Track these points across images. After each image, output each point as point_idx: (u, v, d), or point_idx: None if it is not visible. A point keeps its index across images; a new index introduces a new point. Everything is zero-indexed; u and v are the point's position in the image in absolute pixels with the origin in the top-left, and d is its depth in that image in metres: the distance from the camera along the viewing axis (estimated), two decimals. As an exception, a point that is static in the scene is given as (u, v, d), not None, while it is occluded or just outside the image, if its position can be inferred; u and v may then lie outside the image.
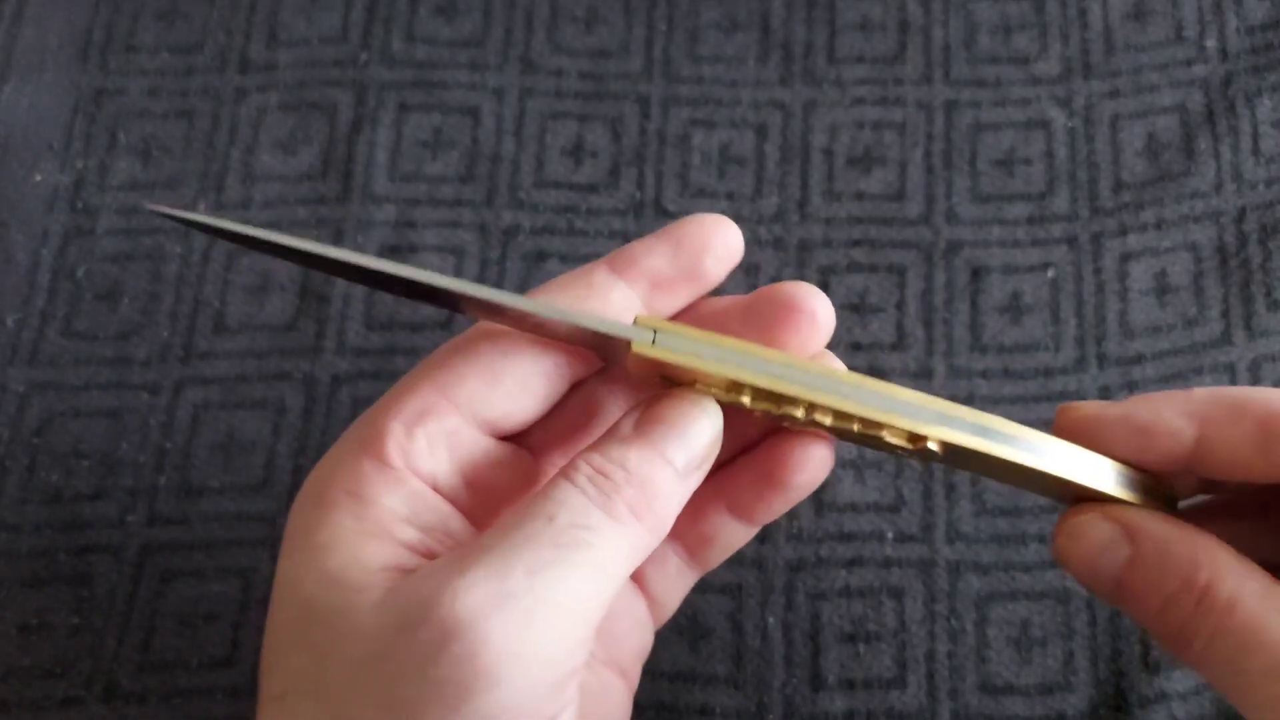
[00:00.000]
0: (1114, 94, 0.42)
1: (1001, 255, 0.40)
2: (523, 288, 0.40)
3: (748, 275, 0.40)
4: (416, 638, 0.21)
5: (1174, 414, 0.25)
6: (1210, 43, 0.42)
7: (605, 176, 0.41)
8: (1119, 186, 0.40)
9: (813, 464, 0.27)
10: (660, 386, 0.26)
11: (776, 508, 0.28)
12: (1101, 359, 0.38)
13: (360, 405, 0.38)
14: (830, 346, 0.27)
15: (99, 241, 0.41)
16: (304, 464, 0.38)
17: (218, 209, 0.41)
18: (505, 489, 0.27)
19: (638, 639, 0.28)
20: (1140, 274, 0.39)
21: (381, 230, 0.41)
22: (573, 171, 0.42)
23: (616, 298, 0.27)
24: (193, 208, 0.41)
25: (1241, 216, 0.39)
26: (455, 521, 0.25)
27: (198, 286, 0.40)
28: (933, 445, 0.25)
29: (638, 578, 0.29)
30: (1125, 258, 0.39)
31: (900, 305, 0.39)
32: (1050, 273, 0.40)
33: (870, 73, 0.42)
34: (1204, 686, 0.34)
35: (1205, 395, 0.25)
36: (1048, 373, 0.38)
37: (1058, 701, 0.35)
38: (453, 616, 0.21)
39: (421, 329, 0.39)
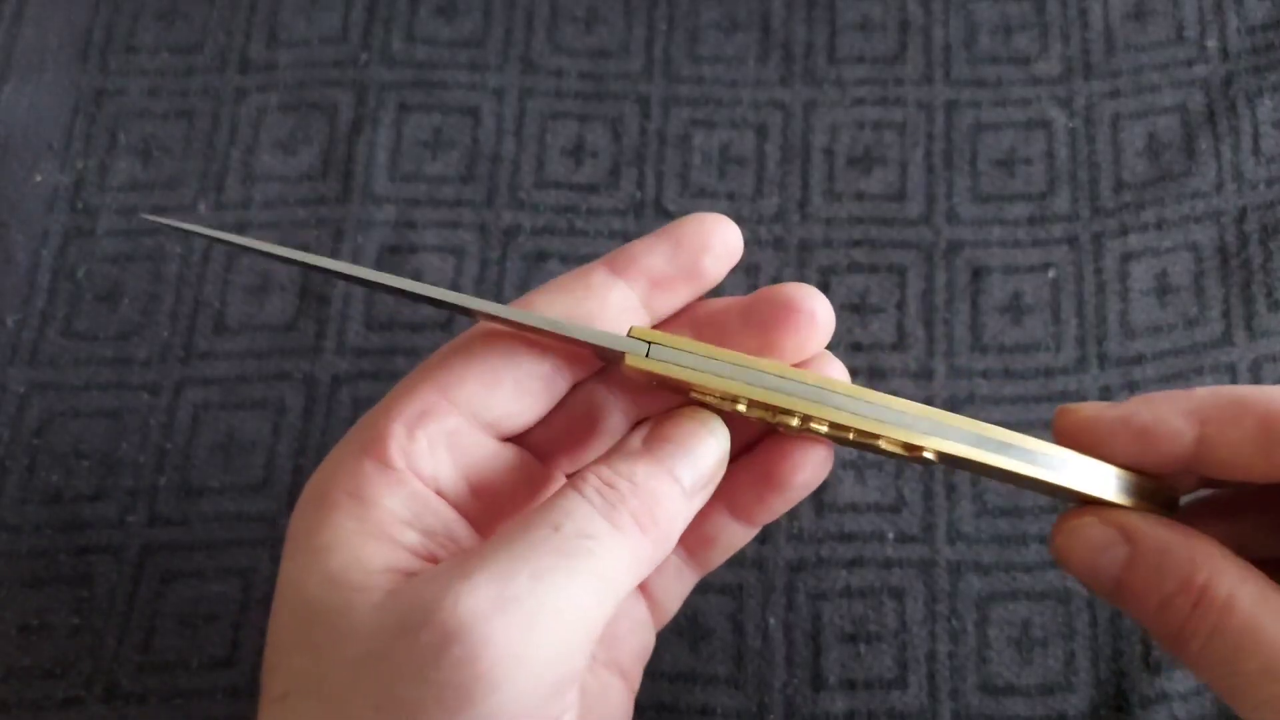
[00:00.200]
0: (1115, 94, 0.42)
1: (1002, 255, 0.40)
2: (523, 288, 0.40)
3: (748, 275, 0.40)
4: (418, 640, 0.21)
5: (1174, 415, 0.25)
6: (1211, 43, 0.42)
7: (605, 176, 0.41)
8: (1120, 186, 0.40)
9: (812, 465, 0.27)
10: (659, 390, 0.26)
11: (776, 508, 0.28)
12: (1102, 359, 0.38)
13: (360, 405, 0.38)
14: (831, 346, 0.27)
15: (99, 242, 0.41)
16: (304, 464, 0.38)
17: (218, 209, 0.41)
18: (506, 490, 0.27)
19: (638, 640, 0.28)
20: (1141, 274, 0.39)
21: (381, 230, 0.41)
22: (573, 171, 0.42)
23: (615, 298, 0.27)
24: (193, 208, 0.41)
25: (1242, 216, 0.39)
26: (456, 523, 0.25)
27: (198, 286, 0.40)
28: (928, 454, 0.25)
29: (638, 579, 0.29)
30: (1126, 258, 0.39)
31: (901, 305, 0.39)
32: (1051, 273, 0.40)
33: (871, 73, 0.42)
34: (1205, 687, 0.34)
35: (1206, 395, 0.25)
36: (1048, 373, 0.38)
37: (1059, 702, 0.35)
38: (455, 619, 0.21)
39: (421, 329, 0.39)
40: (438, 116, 0.42)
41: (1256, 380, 0.38)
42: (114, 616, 0.36)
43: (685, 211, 0.40)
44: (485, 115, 0.42)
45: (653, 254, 0.27)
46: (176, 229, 0.25)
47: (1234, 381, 0.38)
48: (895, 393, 0.38)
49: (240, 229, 0.41)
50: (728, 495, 0.28)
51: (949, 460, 0.26)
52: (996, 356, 0.39)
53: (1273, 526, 0.27)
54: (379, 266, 0.40)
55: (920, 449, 0.25)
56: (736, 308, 0.27)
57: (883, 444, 0.25)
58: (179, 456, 0.38)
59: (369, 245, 0.40)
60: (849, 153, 0.41)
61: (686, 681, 0.35)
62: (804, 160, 0.41)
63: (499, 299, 0.40)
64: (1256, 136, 0.40)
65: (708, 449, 0.25)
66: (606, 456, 0.25)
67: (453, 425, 0.25)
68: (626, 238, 0.40)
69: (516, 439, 0.27)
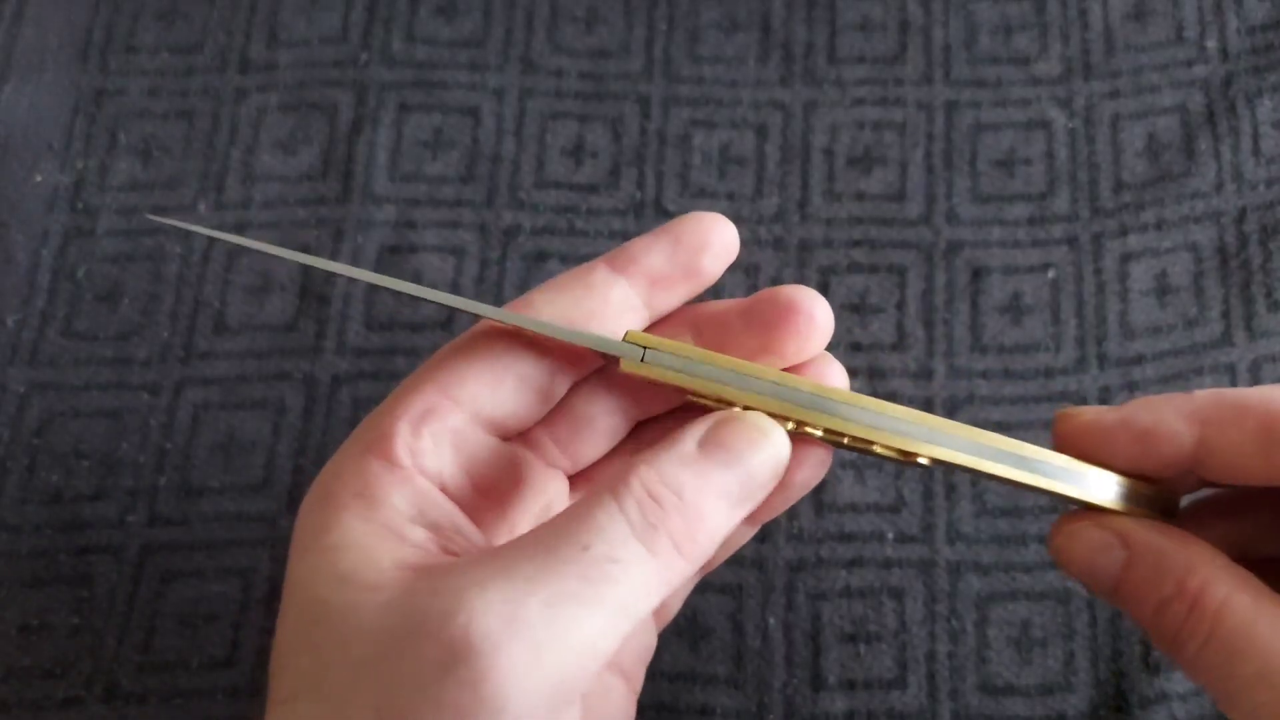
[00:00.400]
0: (1114, 94, 0.42)
1: (1002, 255, 0.40)
2: (523, 288, 0.40)
3: (748, 275, 0.40)
4: (424, 652, 0.21)
5: (1174, 418, 0.25)
6: (1211, 43, 0.42)
7: (605, 176, 0.41)
8: (1119, 187, 0.40)
9: (810, 465, 0.27)
10: (659, 389, 0.26)
11: (775, 506, 0.28)
12: (1102, 359, 0.38)
13: (360, 405, 0.38)
14: (831, 347, 0.27)
15: (99, 242, 0.41)
16: (304, 464, 0.38)
17: (218, 209, 0.41)
18: (508, 489, 0.27)
19: (641, 642, 0.28)
20: (1141, 274, 0.39)
21: (381, 230, 0.41)
22: (573, 171, 0.42)
23: (616, 296, 0.27)
24: (193, 208, 0.41)
25: (1242, 217, 0.39)
26: (462, 519, 0.25)
27: (198, 286, 0.40)
28: (922, 460, 0.25)
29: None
30: (1126, 258, 0.39)
31: (900, 305, 0.39)
32: (1051, 273, 0.40)
33: (871, 73, 0.42)
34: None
35: (1206, 398, 0.25)
36: (1048, 373, 0.38)
37: (1058, 702, 0.35)
38: (464, 638, 0.21)
39: (421, 329, 0.39)
40: (438, 116, 0.42)
41: (1256, 380, 0.38)
42: (114, 616, 0.36)
43: (685, 211, 0.40)
44: (485, 115, 0.42)
45: (652, 252, 0.27)
46: (178, 229, 0.25)
47: (1234, 382, 0.38)
48: (895, 393, 0.38)
49: (240, 229, 0.41)
50: None
51: (945, 465, 0.26)
52: (996, 357, 0.39)
53: (1274, 527, 0.27)
54: (379, 266, 0.40)
55: (914, 455, 0.25)
56: (737, 309, 0.27)
57: (877, 449, 0.25)
58: (179, 456, 0.38)
59: (369, 245, 0.40)
60: (849, 153, 0.41)
61: (686, 681, 0.35)
62: (804, 160, 0.41)
63: (499, 299, 0.40)
64: (1256, 137, 0.40)
65: (766, 461, 0.24)
66: (655, 456, 0.24)
67: (456, 424, 0.25)
68: (626, 238, 0.40)
69: (518, 437, 0.27)
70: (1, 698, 0.35)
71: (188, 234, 0.41)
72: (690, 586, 0.30)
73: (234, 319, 0.40)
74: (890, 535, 0.37)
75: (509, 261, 0.40)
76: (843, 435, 0.25)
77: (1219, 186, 0.40)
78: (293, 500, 0.37)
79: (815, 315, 0.26)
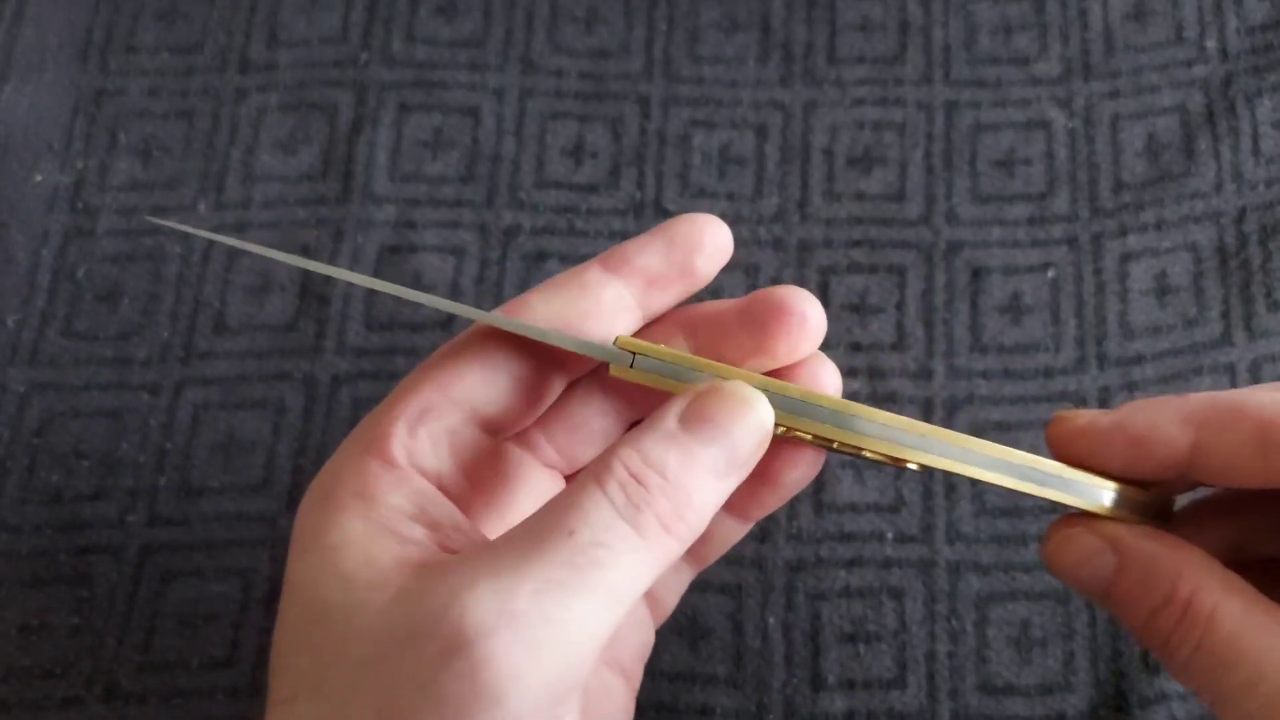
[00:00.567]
0: (1114, 94, 0.42)
1: (1001, 255, 0.40)
2: (523, 288, 0.40)
3: (747, 275, 0.40)
4: (420, 649, 0.21)
5: (1169, 421, 0.25)
6: (1210, 43, 0.42)
7: (605, 176, 0.41)
8: (1119, 187, 0.40)
9: (803, 464, 0.27)
10: (650, 392, 0.26)
11: (770, 504, 0.28)
12: (1101, 359, 0.38)
13: (360, 405, 0.39)
14: (830, 346, 0.27)
15: (99, 242, 0.41)
16: (304, 464, 0.38)
17: (218, 209, 0.41)
18: (505, 488, 0.27)
19: (639, 639, 0.29)
20: (1140, 274, 0.39)
21: (381, 230, 0.41)
22: (573, 171, 0.42)
23: (610, 296, 0.27)
24: (193, 208, 0.41)
25: (1241, 217, 0.39)
26: (461, 518, 0.25)
27: (198, 286, 0.40)
28: (912, 466, 0.25)
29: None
30: (1125, 258, 0.39)
31: (900, 305, 0.39)
32: (1050, 273, 0.40)
33: (870, 73, 0.42)
34: (1204, 687, 0.34)
35: (1200, 401, 0.25)
36: (1048, 373, 0.38)
37: (1058, 702, 0.35)
38: (458, 632, 0.21)
39: (421, 329, 0.39)
40: (438, 116, 0.42)
41: (1256, 380, 0.38)
42: (114, 616, 0.36)
43: (685, 211, 0.40)
44: (485, 115, 0.42)
45: (646, 253, 0.27)
46: (179, 231, 0.26)
47: (1233, 382, 0.38)
48: (895, 393, 0.38)
49: (240, 229, 0.41)
50: None
51: (935, 471, 0.26)
52: (996, 357, 0.39)
53: (1271, 527, 0.27)
54: (379, 266, 0.40)
55: (904, 460, 0.25)
56: (731, 310, 0.27)
57: (867, 454, 0.25)
58: (179, 456, 0.38)
59: (369, 245, 0.40)
60: (849, 153, 0.41)
61: (686, 681, 0.35)
62: (804, 160, 0.41)
63: (499, 299, 0.40)
64: (1256, 137, 0.40)
65: (750, 430, 0.24)
66: (637, 436, 0.23)
67: (453, 423, 0.25)
68: (626, 238, 0.40)
69: (514, 437, 0.27)
70: (1, 698, 0.35)
71: (188, 234, 0.41)
72: (687, 583, 0.30)
73: (234, 319, 0.40)
74: (890, 535, 0.37)
75: (509, 261, 0.40)
76: (832, 440, 0.25)
77: (1219, 186, 0.40)
78: (293, 500, 0.37)
79: (807, 316, 0.26)
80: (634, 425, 0.29)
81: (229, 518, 0.37)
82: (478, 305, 0.40)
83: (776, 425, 0.25)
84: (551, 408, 0.27)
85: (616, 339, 0.26)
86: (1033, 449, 0.26)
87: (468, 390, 0.26)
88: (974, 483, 0.37)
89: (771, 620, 0.36)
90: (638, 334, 0.27)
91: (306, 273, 0.40)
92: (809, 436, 0.25)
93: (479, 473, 0.26)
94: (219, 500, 0.37)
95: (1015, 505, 0.37)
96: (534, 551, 0.22)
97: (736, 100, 0.42)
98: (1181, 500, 0.27)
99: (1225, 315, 0.38)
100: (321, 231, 0.41)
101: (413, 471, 0.25)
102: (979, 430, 0.38)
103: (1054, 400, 0.38)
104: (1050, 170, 0.41)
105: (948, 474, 0.37)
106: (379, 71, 0.43)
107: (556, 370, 0.27)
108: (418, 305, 0.39)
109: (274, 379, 0.39)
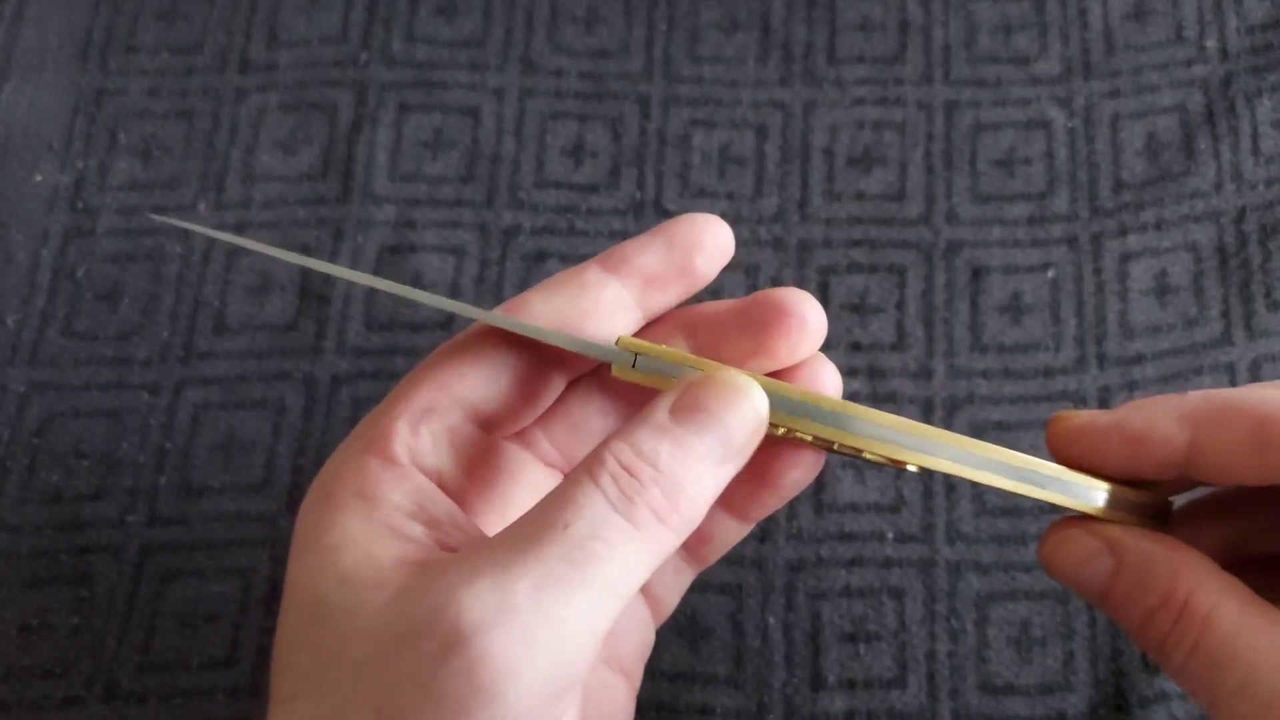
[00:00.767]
0: (1114, 94, 0.42)
1: (1001, 255, 0.40)
2: (522, 288, 0.40)
3: (747, 275, 0.40)
4: (419, 647, 0.21)
5: (1166, 420, 0.25)
6: (1210, 43, 0.42)
7: (605, 176, 0.41)
8: (1119, 186, 0.40)
9: (803, 464, 0.27)
10: (650, 392, 0.26)
11: (770, 505, 0.28)
12: (1101, 359, 0.38)
13: (360, 405, 0.39)
14: (831, 346, 0.27)
15: (99, 241, 0.41)
16: (304, 464, 0.38)
17: (218, 209, 0.41)
18: (505, 486, 0.27)
19: (639, 638, 0.29)
20: (1140, 274, 0.39)
21: (381, 230, 0.41)
22: (573, 171, 0.42)
23: (609, 296, 0.27)
24: (193, 208, 0.41)
25: (1241, 216, 0.39)
26: (461, 516, 0.25)
27: (198, 286, 0.40)
28: (911, 468, 0.25)
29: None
30: (1125, 258, 0.39)
31: (900, 305, 0.39)
32: (1050, 273, 0.40)
33: (870, 73, 0.42)
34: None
35: (1197, 400, 0.25)
36: (1048, 373, 0.38)
37: (1058, 701, 0.35)
38: (456, 630, 0.21)
39: (421, 329, 0.39)
40: (438, 116, 0.42)
41: (1256, 380, 0.38)
42: (114, 616, 0.36)
43: (685, 211, 0.40)
44: (485, 115, 0.42)
45: (646, 253, 0.27)
46: (178, 229, 0.26)
47: (1233, 381, 0.38)
48: (895, 392, 0.38)
49: (240, 229, 0.41)
50: (723, 492, 0.28)
51: (934, 473, 0.26)
52: (996, 356, 0.39)
53: (1268, 525, 0.27)
54: (379, 266, 0.40)
55: (904, 462, 0.25)
56: (731, 311, 0.27)
57: (867, 455, 0.25)
58: (179, 456, 0.38)
59: (369, 245, 0.40)
60: (849, 153, 0.41)
61: (686, 681, 0.35)
62: (804, 160, 0.41)
63: (499, 299, 0.40)
64: (1256, 137, 0.40)
65: (744, 418, 0.24)
66: (629, 429, 0.23)
67: (453, 422, 0.25)
68: (626, 238, 0.40)
69: (515, 435, 0.27)
70: (1, 698, 0.35)
71: (188, 234, 0.41)
72: (688, 583, 0.30)
73: (234, 319, 0.40)
74: (890, 535, 0.37)
75: (509, 261, 0.40)
76: (831, 442, 0.25)
77: (1218, 186, 0.40)
78: (293, 500, 0.37)
79: (807, 318, 0.26)
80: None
81: (229, 518, 0.37)
82: (478, 305, 0.40)
83: (777, 426, 0.25)
84: (552, 406, 0.27)
85: (619, 339, 0.26)
86: (1032, 449, 0.26)
87: (468, 389, 0.26)
88: (974, 484, 0.37)
89: (772, 620, 0.36)
90: (638, 334, 0.27)
91: (306, 272, 0.40)
92: (809, 437, 0.25)
93: (479, 471, 0.26)
94: (219, 500, 0.37)
95: (1015, 505, 0.37)
96: (530, 547, 0.22)
97: (736, 100, 0.42)
98: (1180, 501, 0.27)
99: (1225, 315, 0.38)
100: (321, 231, 0.41)
101: (413, 470, 0.25)
102: (979, 430, 0.38)
103: (1054, 400, 0.38)
104: (1050, 170, 0.41)
105: (948, 475, 0.37)
106: (379, 71, 0.43)
107: (556, 369, 0.27)
108: (418, 305, 0.39)
109: (274, 379, 0.39)
